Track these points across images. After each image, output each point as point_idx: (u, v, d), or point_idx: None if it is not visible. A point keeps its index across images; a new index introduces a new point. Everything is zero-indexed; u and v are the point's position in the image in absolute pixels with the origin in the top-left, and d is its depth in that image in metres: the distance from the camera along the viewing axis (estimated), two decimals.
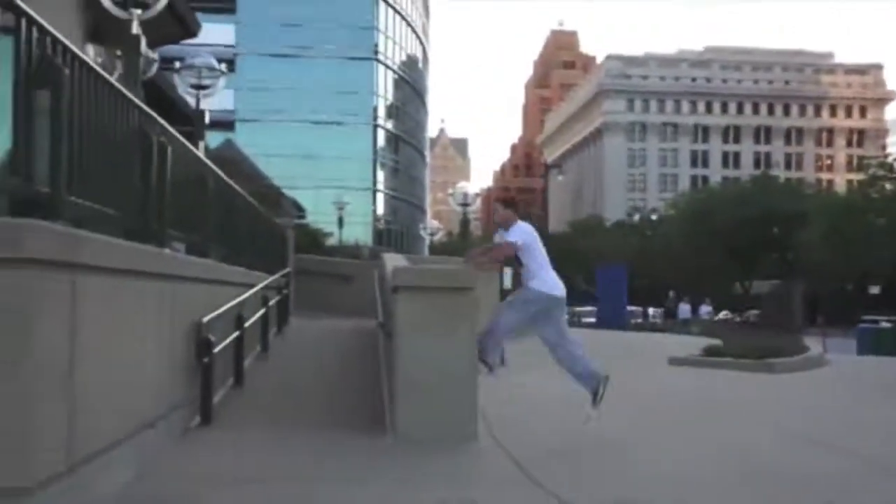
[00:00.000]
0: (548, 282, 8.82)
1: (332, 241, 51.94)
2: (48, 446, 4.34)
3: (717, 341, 21.98)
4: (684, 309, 49.20)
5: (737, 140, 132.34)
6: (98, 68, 5.59)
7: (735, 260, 66.73)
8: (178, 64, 19.31)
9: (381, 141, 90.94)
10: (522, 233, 8.87)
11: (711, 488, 6.49)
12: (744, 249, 66.08)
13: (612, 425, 9.33)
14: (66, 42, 4.84)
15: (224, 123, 59.81)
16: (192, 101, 18.30)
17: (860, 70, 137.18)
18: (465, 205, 33.37)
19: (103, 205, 5.51)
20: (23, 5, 4.29)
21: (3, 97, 4.38)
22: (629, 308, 51.86)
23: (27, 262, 4.07)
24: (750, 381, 15.69)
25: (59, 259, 4.39)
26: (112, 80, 5.93)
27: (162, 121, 7.27)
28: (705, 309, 50.46)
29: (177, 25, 18.65)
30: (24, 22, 4.33)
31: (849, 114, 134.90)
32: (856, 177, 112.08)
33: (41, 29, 4.52)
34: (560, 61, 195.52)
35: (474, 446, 7.57)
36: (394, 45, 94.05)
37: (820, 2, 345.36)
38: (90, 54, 12.26)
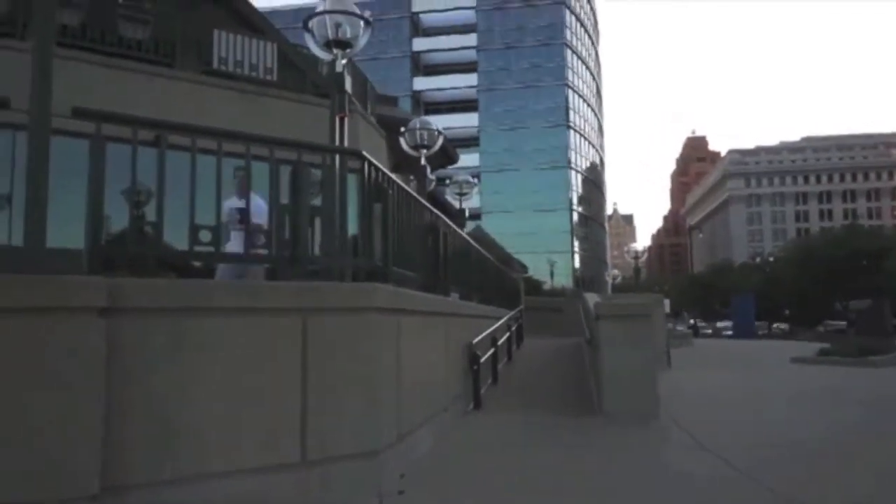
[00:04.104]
0: None
1: (546, 287, 51.52)
2: (387, 424, 4.48)
3: (827, 345, 19.99)
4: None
5: (829, 201, 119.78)
6: (407, 188, 5.86)
7: (832, 286, 60.14)
8: (447, 181, 20.07)
9: (575, 219, 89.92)
10: None
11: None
12: (838, 278, 59.46)
13: (759, 406, 8.64)
14: (389, 174, 5.11)
15: (475, 215, 61.20)
16: (455, 203, 18.88)
17: None
18: (635, 258, 32.99)
19: (412, 271, 5.71)
20: (366, 154, 4.59)
21: (354, 210, 4.67)
22: (756, 323, 48.87)
23: (375, 310, 4.28)
24: (855, 373, 14.11)
25: (390, 307, 4.57)
26: (415, 194, 6.20)
27: (445, 218, 7.51)
28: None
29: (445, 157, 19.42)
30: (366, 164, 4.62)
31: None
32: None
33: (375, 167, 4.80)
34: (695, 157, 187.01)
35: (655, 421, 7.20)
36: (581, 157, 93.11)
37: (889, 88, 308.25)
38: None
